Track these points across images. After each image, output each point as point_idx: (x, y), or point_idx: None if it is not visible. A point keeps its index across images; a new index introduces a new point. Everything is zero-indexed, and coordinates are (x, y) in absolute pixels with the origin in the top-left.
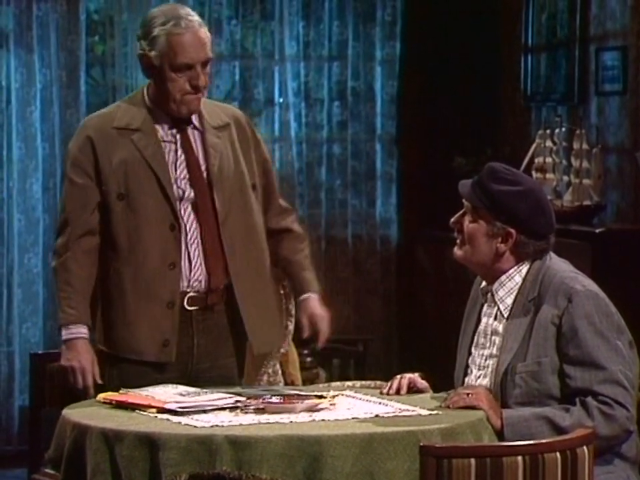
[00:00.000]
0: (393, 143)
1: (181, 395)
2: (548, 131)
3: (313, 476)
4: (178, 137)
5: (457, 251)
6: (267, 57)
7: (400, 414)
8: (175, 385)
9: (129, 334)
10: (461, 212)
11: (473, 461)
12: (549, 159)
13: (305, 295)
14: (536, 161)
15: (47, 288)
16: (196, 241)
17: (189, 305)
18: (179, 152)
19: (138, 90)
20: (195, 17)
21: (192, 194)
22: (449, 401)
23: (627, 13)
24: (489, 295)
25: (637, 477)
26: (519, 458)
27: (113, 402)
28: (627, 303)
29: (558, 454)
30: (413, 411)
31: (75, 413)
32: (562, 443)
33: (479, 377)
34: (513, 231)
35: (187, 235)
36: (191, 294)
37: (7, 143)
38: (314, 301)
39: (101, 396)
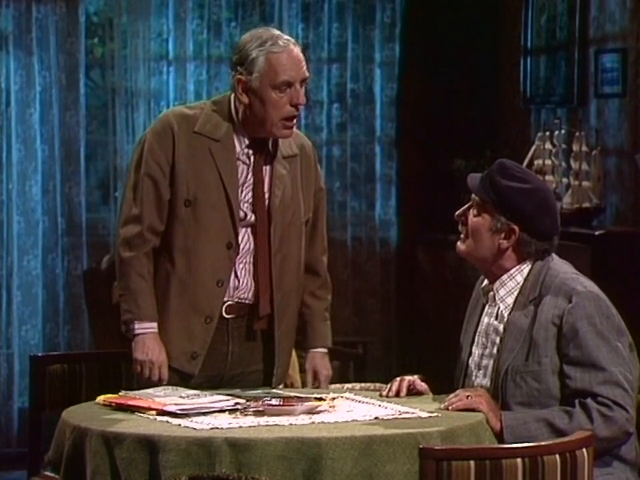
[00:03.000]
0: (393, 145)
1: (181, 397)
2: (547, 133)
3: (313, 478)
4: (252, 158)
5: (460, 245)
6: None
7: (399, 416)
8: (175, 387)
9: (163, 338)
10: (466, 205)
11: (472, 463)
12: (548, 161)
13: (316, 350)
14: (535, 163)
15: (46, 290)
16: (248, 264)
17: (227, 314)
18: (249, 174)
19: (223, 96)
20: (289, 37)
21: (252, 218)
22: (448, 403)
23: (627, 16)
24: (490, 294)
25: (636, 479)
26: (519, 460)
27: (113, 404)
28: (626, 305)
29: (557, 456)
30: (412, 413)
31: (75, 415)
32: (561, 445)
33: (478, 377)
34: (516, 227)
35: (240, 256)
36: (229, 302)
37: (6, 145)
38: (324, 359)
39: (100, 398)
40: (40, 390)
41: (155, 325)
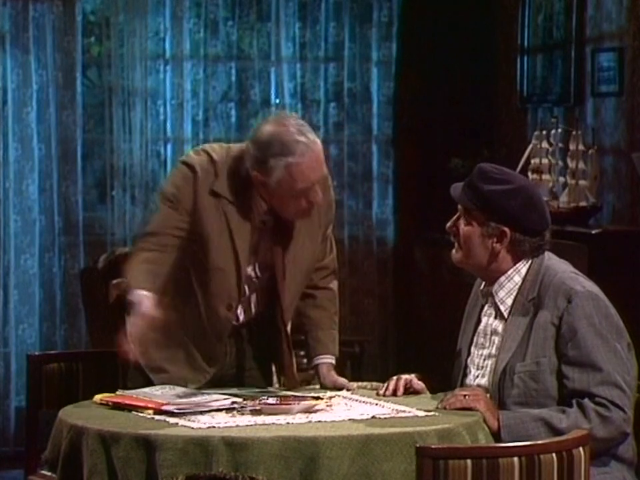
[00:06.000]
0: (390, 144)
1: (178, 396)
2: (544, 132)
3: (310, 477)
4: (270, 223)
5: (455, 255)
6: (264, 58)
7: (396, 415)
8: (172, 386)
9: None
10: (455, 216)
11: (469, 462)
12: (545, 160)
13: (324, 359)
14: (532, 162)
15: (43, 289)
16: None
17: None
18: (267, 237)
19: (243, 150)
20: (309, 132)
21: (263, 278)
22: (445, 402)
23: (623, 14)
24: (489, 296)
25: (632, 478)
26: (515, 459)
27: (110, 403)
28: (623, 304)
29: (554, 455)
30: (409, 412)
31: (72, 414)
32: (558, 444)
33: (477, 377)
34: (506, 229)
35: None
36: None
37: (3, 144)
38: (332, 371)
39: (97, 397)
40: (37, 389)
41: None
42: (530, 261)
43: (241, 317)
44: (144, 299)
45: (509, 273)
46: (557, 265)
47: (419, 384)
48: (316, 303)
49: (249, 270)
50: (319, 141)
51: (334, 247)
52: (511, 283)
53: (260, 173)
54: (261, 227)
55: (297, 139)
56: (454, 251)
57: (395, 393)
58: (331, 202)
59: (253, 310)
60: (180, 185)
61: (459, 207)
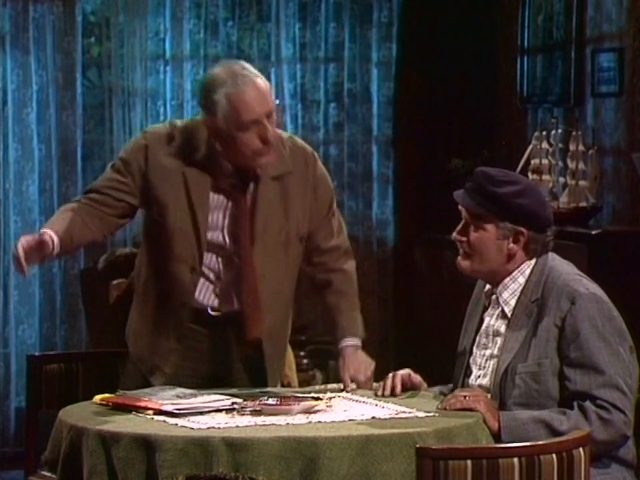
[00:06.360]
0: (390, 145)
1: (178, 396)
2: (544, 133)
3: (310, 478)
4: (234, 184)
5: (462, 262)
6: (263, 58)
7: (397, 416)
8: (172, 387)
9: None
10: (460, 225)
11: (469, 462)
12: (545, 161)
13: (345, 343)
14: (532, 162)
15: (43, 289)
16: (231, 290)
17: (212, 311)
18: (229, 203)
19: (199, 120)
20: (251, 69)
21: (228, 244)
22: (445, 403)
23: (623, 15)
24: (493, 297)
25: (633, 479)
26: (515, 460)
27: (110, 403)
28: (623, 305)
29: (554, 455)
30: (409, 412)
31: (72, 415)
32: (558, 444)
33: (479, 377)
34: (523, 229)
35: (222, 281)
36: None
37: (3, 144)
38: (356, 352)
39: (97, 397)
40: (37, 389)
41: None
42: (534, 262)
43: (211, 299)
44: (37, 235)
45: (514, 274)
46: (561, 267)
47: (415, 377)
48: (332, 289)
49: (215, 235)
50: (263, 77)
51: (343, 227)
52: (515, 284)
53: (209, 116)
54: (227, 191)
55: (237, 72)
56: (460, 258)
57: (393, 391)
58: (322, 177)
59: (229, 296)
60: (130, 149)
61: (464, 214)
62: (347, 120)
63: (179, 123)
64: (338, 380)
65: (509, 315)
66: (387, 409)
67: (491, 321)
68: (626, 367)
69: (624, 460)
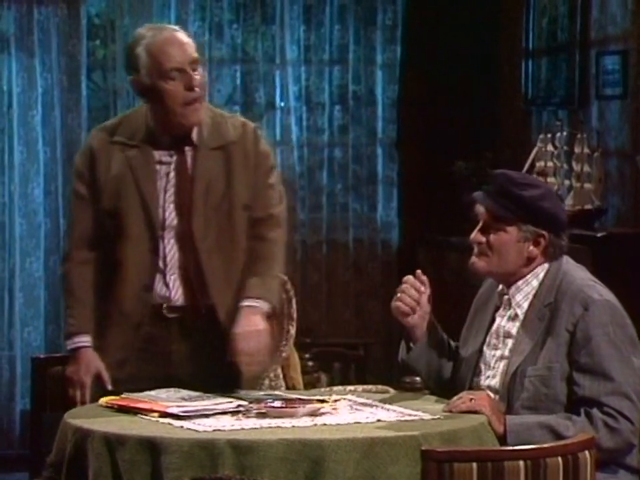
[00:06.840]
0: (394, 147)
1: (183, 399)
2: (549, 135)
3: None
4: (174, 158)
5: (478, 263)
6: (268, 61)
7: (402, 418)
8: (177, 389)
9: (102, 345)
10: (478, 227)
11: (474, 465)
12: (549, 163)
13: (243, 303)
14: (537, 165)
15: (48, 292)
16: (175, 268)
17: (168, 313)
18: (172, 175)
19: (141, 106)
20: (174, 26)
21: (175, 220)
22: (451, 405)
23: (628, 17)
24: (505, 297)
25: None
26: (521, 462)
27: (115, 406)
28: (628, 307)
29: (559, 458)
30: (415, 415)
31: (77, 417)
32: (563, 447)
33: (488, 377)
34: (544, 232)
35: (165, 260)
36: (166, 305)
37: (8, 147)
38: (252, 315)
39: (102, 400)
40: (42, 392)
41: (83, 338)
42: (548, 265)
43: (173, 292)
44: (89, 358)
45: (528, 277)
46: (575, 271)
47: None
48: (253, 255)
49: (160, 213)
50: (184, 32)
51: (284, 198)
52: (529, 287)
53: (134, 74)
54: (168, 163)
55: (157, 27)
56: (475, 259)
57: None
58: (264, 152)
59: (175, 289)
60: (77, 161)
61: (483, 216)
62: (352, 122)
63: (128, 112)
64: (343, 382)
65: (521, 317)
66: (392, 412)
67: (502, 322)
68: (636, 375)
69: (631, 466)
